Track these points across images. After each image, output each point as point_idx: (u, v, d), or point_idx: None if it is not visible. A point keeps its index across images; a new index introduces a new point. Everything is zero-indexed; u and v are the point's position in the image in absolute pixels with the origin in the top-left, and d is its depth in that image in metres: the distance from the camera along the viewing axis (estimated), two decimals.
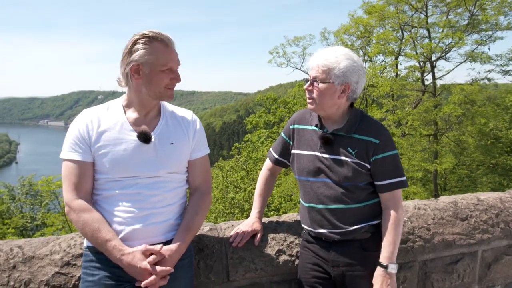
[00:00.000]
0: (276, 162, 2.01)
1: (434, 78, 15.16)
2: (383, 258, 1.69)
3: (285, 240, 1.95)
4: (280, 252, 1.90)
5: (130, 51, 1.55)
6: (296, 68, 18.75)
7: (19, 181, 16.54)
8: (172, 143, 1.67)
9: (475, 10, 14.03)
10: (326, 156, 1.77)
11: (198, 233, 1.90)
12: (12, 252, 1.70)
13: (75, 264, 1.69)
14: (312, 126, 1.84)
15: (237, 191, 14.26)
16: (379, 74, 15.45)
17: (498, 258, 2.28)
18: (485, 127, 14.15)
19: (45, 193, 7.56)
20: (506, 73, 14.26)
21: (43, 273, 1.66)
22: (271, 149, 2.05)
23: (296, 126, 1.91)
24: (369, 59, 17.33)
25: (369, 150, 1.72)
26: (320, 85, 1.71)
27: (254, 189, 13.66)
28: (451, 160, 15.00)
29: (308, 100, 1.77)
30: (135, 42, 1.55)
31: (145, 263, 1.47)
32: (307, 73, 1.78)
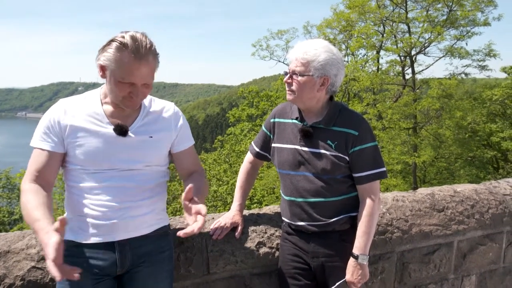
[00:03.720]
0: (257, 155, 1.99)
1: (413, 72, 15.40)
2: (355, 248, 1.72)
3: (266, 233, 1.96)
4: (260, 244, 1.90)
5: (103, 48, 1.48)
6: (279, 61, 18.80)
7: None
8: (151, 137, 1.63)
9: (453, 6, 14.27)
10: (306, 149, 1.76)
11: (177, 226, 1.89)
12: None
13: None
14: (292, 119, 1.83)
15: (220, 184, 14.26)
16: (360, 68, 15.60)
17: (473, 248, 2.35)
18: (463, 121, 14.48)
19: None
20: (482, 68, 14.59)
21: (18, 267, 1.62)
22: (252, 142, 2.04)
23: (276, 119, 1.89)
24: (351, 53, 17.47)
25: (348, 142, 1.72)
26: (300, 78, 1.70)
27: (236, 182, 13.69)
28: (430, 153, 15.31)
29: (287, 92, 1.77)
30: (110, 42, 1.47)
31: (52, 241, 1.20)
32: (284, 71, 1.78)
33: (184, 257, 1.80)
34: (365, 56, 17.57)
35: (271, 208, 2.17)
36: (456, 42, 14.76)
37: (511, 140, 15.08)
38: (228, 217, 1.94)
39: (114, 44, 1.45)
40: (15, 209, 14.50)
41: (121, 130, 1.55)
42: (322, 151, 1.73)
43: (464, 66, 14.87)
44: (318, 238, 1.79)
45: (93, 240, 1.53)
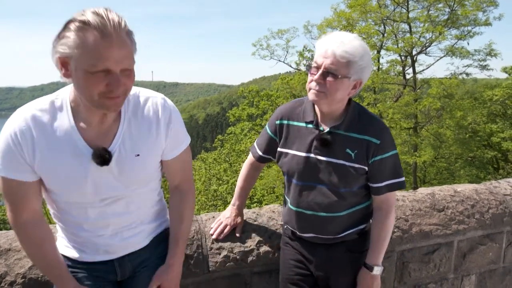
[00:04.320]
0: (260, 159, 1.86)
1: (414, 72, 15.40)
2: (369, 259, 1.65)
3: (266, 231, 1.96)
4: (260, 243, 1.91)
5: (59, 36, 1.13)
6: (279, 60, 18.76)
7: None
8: (138, 155, 1.35)
9: (455, 6, 14.26)
10: (322, 158, 1.58)
11: None
12: None
13: None
14: (305, 123, 1.64)
15: (220, 183, 14.27)
16: None
17: (473, 248, 2.35)
18: (463, 120, 14.49)
19: None
20: (483, 68, 14.59)
21: (19, 265, 1.62)
22: (255, 144, 1.87)
23: (284, 121, 1.70)
24: None
25: (369, 151, 1.55)
26: (335, 79, 1.47)
27: (237, 181, 13.70)
28: (430, 153, 15.31)
29: (313, 92, 1.51)
30: (67, 25, 1.12)
31: None
32: (308, 63, 1.54)
33: (184, 256, 1.80)
34: None
35: (271, 207, 2.18)
36: (457, 42, 14.76)
37: None
38: (228, 217, 1.90)
39: (73, 26, 1.10)
40: None
41: (103, 159, 1.27)
42: (341, 161, 1.56)
43: (465, 66, 14.88)
44: (324, 249, 1.71)
45: (90, 259, 1.47)
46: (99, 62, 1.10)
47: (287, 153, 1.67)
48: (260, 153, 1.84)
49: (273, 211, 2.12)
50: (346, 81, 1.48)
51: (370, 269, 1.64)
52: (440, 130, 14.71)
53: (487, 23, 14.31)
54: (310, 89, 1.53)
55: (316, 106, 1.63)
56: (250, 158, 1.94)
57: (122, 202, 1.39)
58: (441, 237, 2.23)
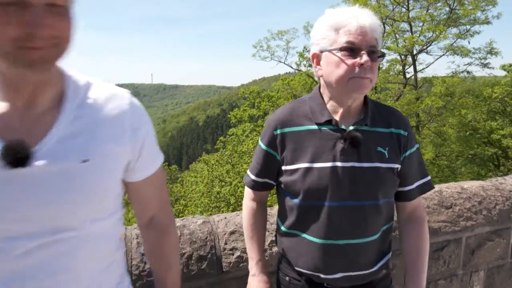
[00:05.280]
0: (257, 186, 1.47)
1: (415, 71, 15.46)
2: (416, 281, 1.38)
3: None
4: (272, 243, 1.93)
5: None
6: (280, 61, 18.79)
7: None
8: (85, 160, 0.86)
9: (454, 5, 14.31)
10: (353, 164, 1.27)
11: (190, 226, 1.91)
12: None
13: None
14: (316, 124, 1.31)
15: (223, 185, 14.27)
16: None
17: (481, 244, 2.37)
18: (464, 118, 14.52)
19: None
20: (484, 66, 14.64)
21: None
22: (248, 171, 1.51)
23: (286, 129, 1.34)
24: None
25: (400, 146, 1.33)
26: (377, 59, 1.25)
27: (239, 182, 13.75)
28: (431, 151, 15.35)
29: (360, 81, 1.22)
30: None
31: None
32: (339, 46, 1.22)
33: (198, 256, 1.83)
34: None
35: None
36: (456, 41, 14.80)
37: None
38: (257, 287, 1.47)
39: None
40: None
41: (17, 158, 0.78)
42: (376, 163, 1.28)
43: (466, 64, 14.94)
44: None
45: None
46: None
47: (299, 169, 1.30)
48: (254, 178, 1.46)
49: None
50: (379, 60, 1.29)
51: None
52: (443, 129, 14.75)
53: (486, 22, 14.37)
54: (352, 77, 1.22)
55: (329, 103, 1.34)
56: (246, 193, 1.56)
57: (60, 249, 0.85)
58: (450, 233, 2.25)
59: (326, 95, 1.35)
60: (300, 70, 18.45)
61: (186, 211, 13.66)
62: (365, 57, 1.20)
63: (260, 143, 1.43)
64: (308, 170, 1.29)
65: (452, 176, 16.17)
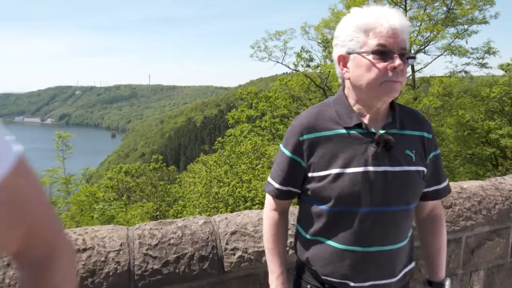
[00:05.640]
0: (281, 195, 1.41)
1: (413, 71, 15.50)
2: (436, 275, 1.45)
3: None
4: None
5: None
6: (277, 62, 18.82)
7: None
8: None
9: (452, 4, 14.36)
10: (385, 169, 1.25)
11: (192, 226, 1.92)
12: None
13: None
14: (345, 128, 1.28)
15: (221, 185, 14.26)
16: None
17: (481, 243, 2.38)
18: (462, 118, 14.57)
19: None
20: (482, 65, 14.70)
21: None
22: (269, 178, 1.45)
23: (311, 135, 1.29)
24: None
25: (424, 148, 1.33)
26: (409, 60, 1.23)
27: (238, 183, 13.79)
28: None
29: (393, 84, 1.20)
30: None
31: None
32: (371, 49, 1.20)
33: (199, 256, 1.83)
34: None
35: None
36: (454, 40, 14.86)
37: (510, 137, 15.16)
38: None
39: None
40: None
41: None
42: (405, 167, 1.27)
43: (464, 64, 15.00)
44: None
45: None
46: None
47: (329, 175, 1.26)
48: (278, 186, 1.40)
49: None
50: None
51: (441, 286, 1.43)
52: (441, 129, 14.79)
53: (484, 21, 14.42)
54: (384, 81, 1.19)
55: (355, 106, 1.31)
56: (268, 202, 1.49)
57: None
58: (450, 233, 2.26)
59: (351, 97, 1.32)
60: (297, 71, 18.48)
61: (185, 211, 13.66)
62: (398, 61, 1.17)
63: (284, 149, 1.37)
64: (339, 175, 1.25)
65: (450, 176, 16.21)
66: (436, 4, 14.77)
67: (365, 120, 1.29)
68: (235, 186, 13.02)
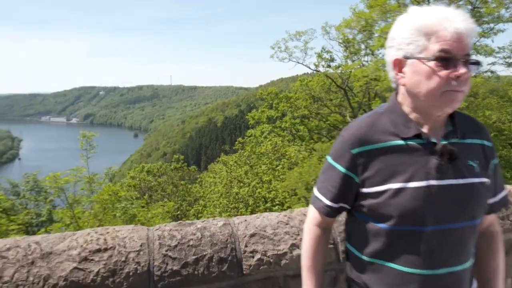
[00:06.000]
0: (332, 212, 1.31)
1: None
2: None
3: (298, 234, 1.97)
4: (293, 246, 1.91)
5: None
6: (298, 62, 18.72)
7: (23, 177, 16.64)
8: None
9: (477, 3, 13.99)
10: (450, 182, 1.15)
11: (211, 228, 1.92)
12: (30, 248, 1.72)
13: (92, 260, 1.71)
14: (402, 139, 1.18)
15: (241, 186, 14.30)
16: (381, 67, 15.43)
17: (509, 250, 2.30)
18: (488, 119, 14.17)
19: (53, 189, 7.62)
20: (509, 65, 14.26)
21: (61, 268, 1.68)
22: (317, 193, 1.34)
23: (366, 147, 1.19)
24: (371, 52, 17.30)
25: (486, 158, 1.24)
26: (473, 66, 1.14)
27: (258, 183, 13.81)
28: None
29: (455, 94, 1.10)
30: None
31: None
32: (433, 56, 1.10)
33: (218, 258, 1.83)
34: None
35: (302, 210, 2.18)
36: (479, 39, 14.46)
37: None
38: None
39: None
40: (42, 211, 14.92)
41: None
42: (470, 179, 1.17)
43: (490, 64, 14.58)
44: None
45: None
46: None
47: (387, 191, 1.16)
48: (329, 203, 1.29)
49: (304, 214, 2.12)
50: None
51: None
52: None
53: (511, 20, 13.98)
54: (446, 91, 1.10)
55: (411, 114, 1.21)
56: (312, 217, 1.39)
57: None
58: None
59: (407, 105, 1.22)
60: (318, 71, 18.35)
61: (205, 211, 13.77)
62: (462, 69, 1.07)
63: (334, 163, 1.26)
64: (399, 191, 1.14)
65: None
66: (461, 2, 14.41)
67: (424, 130, 1.19)
68: (255, 187, 13.05)
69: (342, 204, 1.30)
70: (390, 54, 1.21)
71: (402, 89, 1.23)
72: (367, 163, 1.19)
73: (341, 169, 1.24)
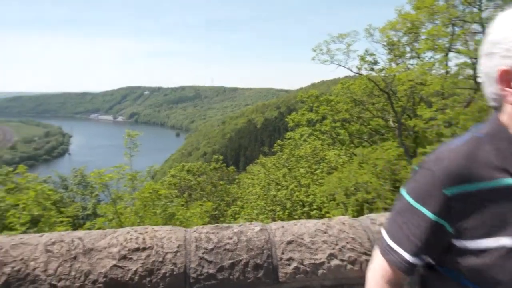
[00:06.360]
0: (412, 270, 1.03)
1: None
2: None
3: (337, 244, 1.91)
4: (331, 256, 1.86)
5: None
6: (340, 65, 18.42)
7: (72, 172, 17.51)
8: None
9: None
10: None
11: (248, 232, 1.90)
12: (73, 243, 1.78)
13: (131, 258, 1.75)
14: (510, 176, 0.91)
15: (279, 188, 14.25)
16: (427, 71, 14.89)
17: None
18: None
19: (97, 184, 7.96)
20: None
21: (101, 265, 1.72)
22: (391, 242, 1.05)
23: (463, 187, 0.93)
24: (416, 55, 16.74)
25: None
26: None
27: (296, 186, 13.70)
28: None
29: None
30: None
31: None
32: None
33: (254, 264, 1.81)
34: (432, 59, 16.76)
35: (341, 219, 2.12)
36: None
37: None
38: None
39: None
40: (88, 205, 15.60)
41: None
42: None
43: None
44: None
45: None
46: None
47: (496, 248, 0.89)
48: (411, 258, 1.01)
49: (343, 223, 2.06)
50: None
51: None
52: None
53: None
54: None
55: None
56: (383, 270, 1.10)
57: None
58: None
59: None
60: (361, 74, 17.97)
61: (242, 212, 13.84)
62: None
63: (417, 206, 0.98)
64: (503, 250, 0.88)
65: None
66: None
67: None
68: (293, 190, 12.95)
69: (425, 258, 1.02)
70: (492, 63, 0.95)
71: (508, 109, 0.96)
72: (465, 208, 0.92)
73: (429, 214, 0.95)
